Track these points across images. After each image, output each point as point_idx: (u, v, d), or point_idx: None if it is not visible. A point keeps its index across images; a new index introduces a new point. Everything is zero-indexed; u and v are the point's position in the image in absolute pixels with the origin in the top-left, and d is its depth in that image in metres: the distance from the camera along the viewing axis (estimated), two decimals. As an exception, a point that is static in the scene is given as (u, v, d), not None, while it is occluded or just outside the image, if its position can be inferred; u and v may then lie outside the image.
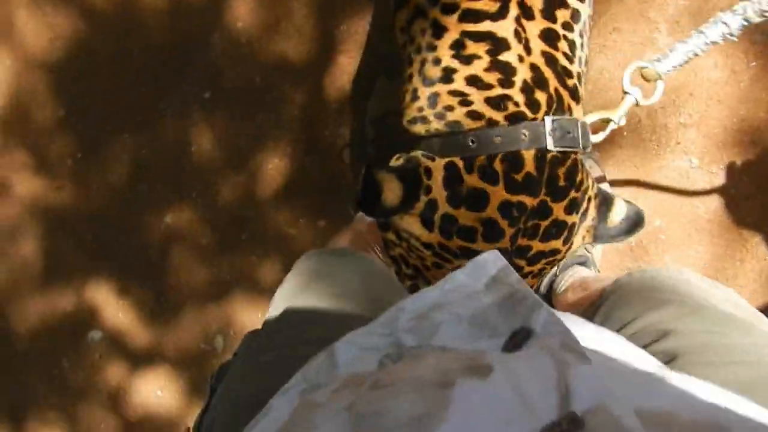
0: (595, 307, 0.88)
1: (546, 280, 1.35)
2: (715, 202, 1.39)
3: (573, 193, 0.81)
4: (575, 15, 0.82)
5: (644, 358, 0.52)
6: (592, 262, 1.36)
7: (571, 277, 1.29)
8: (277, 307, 0.79)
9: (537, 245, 0.81)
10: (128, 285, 1.68)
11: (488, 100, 0.76)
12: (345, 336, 0.46)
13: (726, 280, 1.42)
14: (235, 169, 1.57)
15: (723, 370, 0.59)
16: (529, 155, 0.76)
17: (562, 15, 0.80)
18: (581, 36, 0.83)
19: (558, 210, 0.80)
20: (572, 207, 0.81)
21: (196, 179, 1.59)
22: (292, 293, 0.79)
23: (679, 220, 1.42)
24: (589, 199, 0.85)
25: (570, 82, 0.81)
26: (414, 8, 0.82)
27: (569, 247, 0.85)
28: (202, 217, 1.61)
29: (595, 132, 0.88)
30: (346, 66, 1.48)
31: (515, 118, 0.77)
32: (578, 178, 0.82)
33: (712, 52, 1.33)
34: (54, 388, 1.77)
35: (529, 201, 0.77)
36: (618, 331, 0.75)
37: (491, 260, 0.48)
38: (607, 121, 0.88)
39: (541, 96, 0.77)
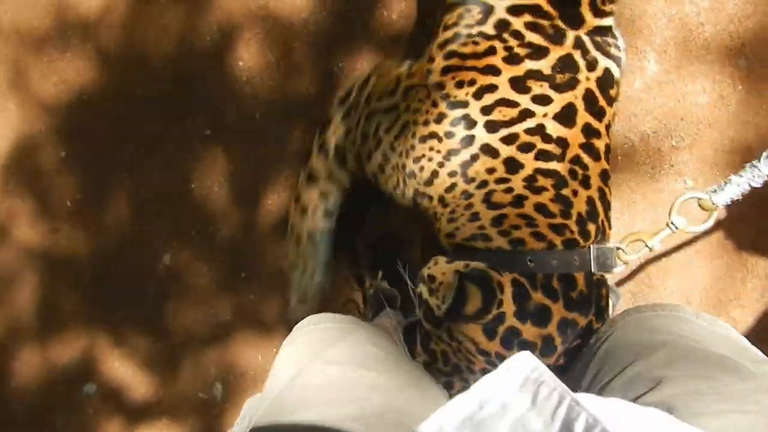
0: (589, 355, 0.90)
1: None
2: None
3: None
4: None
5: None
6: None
7: None
8: (308, 370, 0.82)
9: None
10: (125, 331, 1.65)
11: (551, 226, 0.88)
12: None
13: (729, 301, 1.41)
14: (234, 205, 1.57)
15: (718, 420, 0.60)
16: (580, 276, 0.87)
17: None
18: None
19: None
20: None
21: (196, 217, 1.59)
22: (328, 363, 0.83)
23: (676, 242, 1.42)
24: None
25: (609, 214, 0.96)
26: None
27: None
28: (200, 255, 1.60)
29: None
30: (344, 101, 1.52)
31: (570, 244, 0.88)
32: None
33: (698, 78, 1.39)
34: (44, 448, 1.70)
35: (581, 321, 0.87)
36: (614, 378, 0.78)
37: (523, 360, 0.50)
38: (639, 240, 0.97)
39: (591, 227, 0.91)
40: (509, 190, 0.90)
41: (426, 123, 0.98)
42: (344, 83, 1.51)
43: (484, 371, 0.81)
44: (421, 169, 0.98)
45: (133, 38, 1.59)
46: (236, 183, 1.57)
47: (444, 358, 0.89)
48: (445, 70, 0.97)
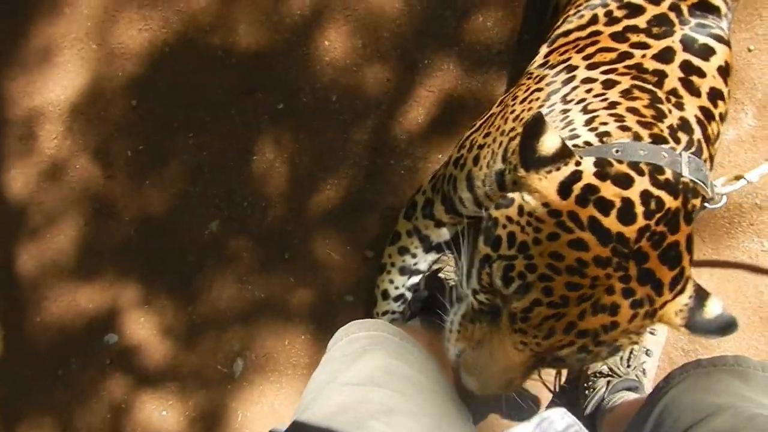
0: (646, 411, 0.86)
1: (594, 401, 1.35)
2: (783, 291, 1.33)
3: (684, 252, 0.81)
4: (724, 115, 0.95)
5: None
6: (642, 390, 1.35)
7: (620, 399, 1.29)
8: (322, 392, 0.82)
9: (654, 259, 0.77)
10: (157, 290, 1.63)
11: (639, 122, 0.85)
12: None
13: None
14: (291, 184, 1.55)
15: None
16: (668, 170, 0.80)
17: (722, 107, 0.93)
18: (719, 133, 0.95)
19: (681, 237, 0.79)
20: (675, 260, 0.80)
21: (251, 190, 1.56)
22: (341, 384, 0.82)
23: (742, 303, 1.35)
24: (687, 278, 0.82)
25: (712, 149, 0.91)
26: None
27: (663, 301, 0.81)
28: (248, 229, 1.57)
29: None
30: (423, 99, 1.48)
31: (658, 139, 0.84)
32: (688, 247, 0.82)
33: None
34: (56, 389, 1.67)
35: (668, 200, 0.78)
36: None
37: (558, 415, 0.50)
38: (738, 177, 0.94)
39: (683, 136, 0.86)
40: (604, 99, 0.90)
41: (528, 89, 1.01)
42: (428, 82, 1.48)
43: (554, 237, 0.76)
44: (522, 119, 0.97)
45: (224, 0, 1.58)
46: (297, 163, 1.55)
47: (509, 241, 0.80)
48: (549, 53, 1.04)
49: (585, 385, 1.41)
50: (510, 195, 0.83)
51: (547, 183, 0.78)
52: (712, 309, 0.80)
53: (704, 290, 0.82)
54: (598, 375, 1.39)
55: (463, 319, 0.91)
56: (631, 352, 1.40)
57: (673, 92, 0.90)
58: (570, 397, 1.48)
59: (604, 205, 0.76)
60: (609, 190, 0.77)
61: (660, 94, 0.90)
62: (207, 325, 1.60)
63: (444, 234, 1.32)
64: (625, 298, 0.76)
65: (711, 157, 0.91)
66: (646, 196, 0.77)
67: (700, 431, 0.72)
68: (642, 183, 0.78)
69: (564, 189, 0.77)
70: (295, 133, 1.55)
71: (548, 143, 0.78)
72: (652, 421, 0.83)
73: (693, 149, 0.86)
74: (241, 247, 1.58)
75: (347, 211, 1.53)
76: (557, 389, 1.50)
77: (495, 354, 0.83)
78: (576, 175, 0.78)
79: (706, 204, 0.86)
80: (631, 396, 1.31)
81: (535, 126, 0.78)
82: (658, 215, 0.77)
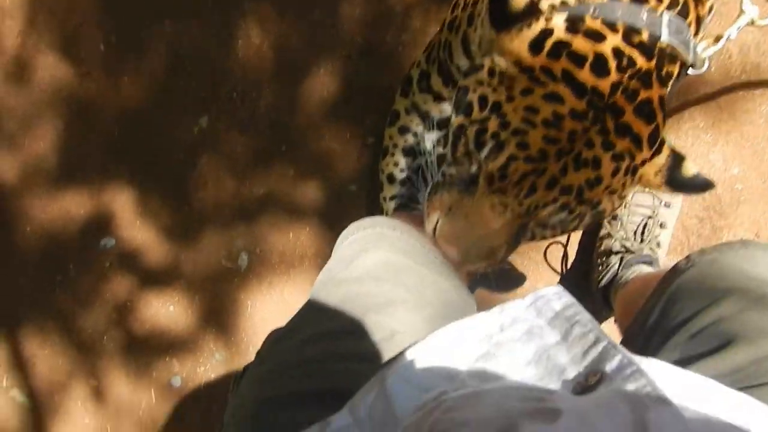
0: (652, 302, 0.85)
1: (607, 277, 1.34)
2: (800, 153, 1.30)
3: (658, 110, 0.79)
4: None
5: (727, 395, 0.47)
6: (657, 264, 1.34)
7: (633, 274, 1.28)
8: (318, 293, 0.80)
9: (630, 113, 0.76)
10: (150, 190, 1.56)
11: None
12: (397, 369, 0.44)
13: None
14: (282, 69, 1.45)
15: None
16: (645, 33, 0.77)
17: None
18: None
19: (653, 95, 0.78)
20: (649, 116, 0.78)
21: (238, 79, 1.46)
22: (337, 282, 0.80)
23: (758, 168, 1.33)
24: (663, 140, 0.82)
25: (701, 9, 0.83)
26: None
27: (643, 158, 0.79)
28: (240, 122, 1.49)
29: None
30: (418, -32, 1.36)
31: (638, 1, 0.79)
32: (661, 106, 0.79)
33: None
34: (56, 296, 1.64)
35: (641, 61, 0.76)
36: (679, 328, 0.74)
37: (555, 294, 0.46)
38: (719, 38, 0.89)
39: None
40: None
41: None
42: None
43: (527, 92, 0.76)
44: None
45: None
46: (286, 46, 1.44)
47: (480, 103, 0.80)
48: None
49: (599, 261, 1.40)
50: (478, 61, 0.82)
51: (517, 42, 0.76)
52: (689, 170, 0.81)
53: (679, 153, 0.82)
54: (610, 252, 1.38)
55: (432, 193, 0.89)
56: (644, 226, 1.38)
57: None
58: (578, 279, 1.48)
59: (577, 59, 0.75)
60: (581, 44, 0.75)
61: None
62: (206, 224, 1.55)
63: (446, 110, 1.25)
64: (606, 151, 0.75)
65: (699, 19, 0.85)
66: (618, 52, 0.75)
67: (708, 316, 0.72)
68: (614, 40, 0.76)
69: (535, 45, 0.76)
70: (281, 14, 1.42)
71: (516, 0, 0.76)
72: (658, 311, 0.83)
73: (677, 9, 0.80)
74: (235, 141, 1.50)
75: (344, 95, 1.45)
76: (564, 272, 1.50)
77: (471, 218, 0.81)
78: (547, 32, 0.76)
79: (689, 71, 0.84)
80: (646, 269, 1.31)
81: None
82: (630, 71, 0.76)
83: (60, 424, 1.67)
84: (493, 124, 0.76)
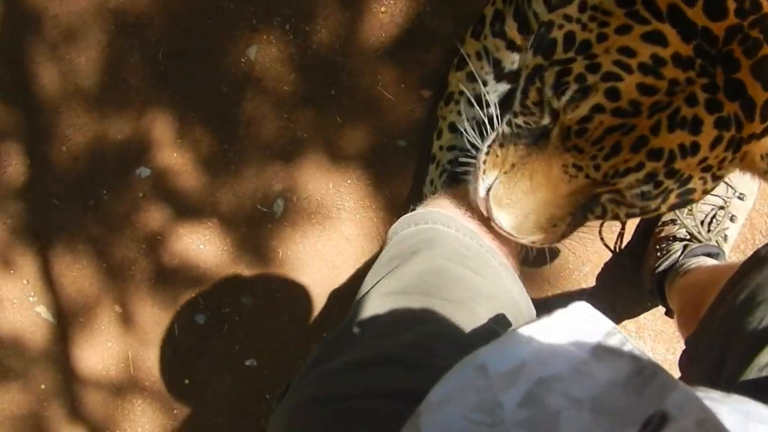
0: (734, 291, 0.73)
1: (667, 263, 1.22)
2: None
3: None
4: None
5: None
6: (723, 257, 1.23)
7: (695, 264, 1.17)
8: (366, 303, 0.73)
9: (746, 70, 0.61)
10: (191, 122, 1.49)
11: None
12: (431, 410, 0.39)
13: None
14: (340, 3, 1.33)
15: None
16: None
17: None
18: None
19: None
20: None
21: (293, 8, 1.36)
22: (384, 294, 0.72)
23: None
24: None
25: None
26: None
27: (752, 131, 0.64)
28: (290, 57, 1.39)
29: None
30: None
31: None
32: None
33: None
34: (87, 219, 1.61)
35: (767, 4, 0.61)
36: (748, 361, 0.64)
37: (598, 318, 0.41)
38: None
39: None
40: None
41: None
42: None
43: (625, 29, 0.62)
44: None
45: None
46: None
47: (567, 42, 0.66)
48: None
49: (658, 247, 1.30)
50: None
51: None
52: None
53: None
54: (673, 239, 1.27)
55: (493, 146, 0.75)
56: (713, 216, 1.27)
57: None
58: (632, 260, 1.38)
59: None
60: None
61: None
62: (245, 163, 1.48)
63: (517, 60, 1.12)
64: (710, 113, 0.62)
65: None
66: None
67: None
68: None
69: None
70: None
71: None
72: (738, 309, 0.72)
73: None
74: (282, 79, 1.41)
75: (404, 41, 1.33)
76: (618, 250, 1.40)
77: (536, 178, 0.68)
78: None
79: None
80: (710, 262, 1.20)
81: None
82: (752, 17, 0.61)
83: (83, 344, 1.66)
84: (579, 66, 0.63)
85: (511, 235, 0.72)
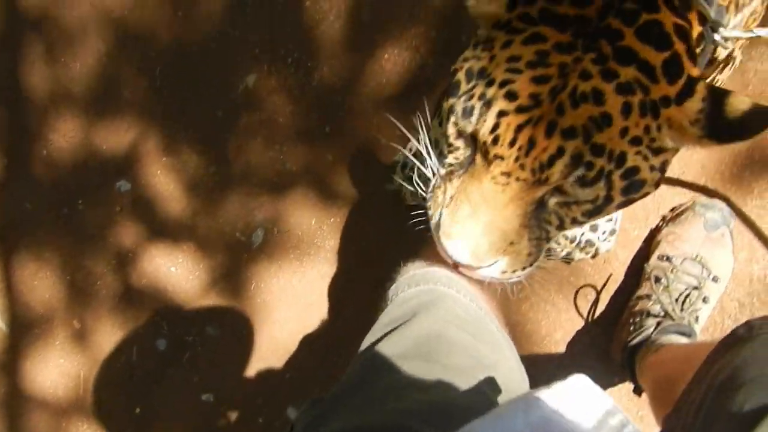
0: (712, 372, 0.73)
1: (639, 338, 1.22)
2: None
3: (674, 36, 0.65)
4: None
5: None
6: (694, 338, 1.22)
7: (668, 341, 1.17)
8: (364, 366, 0.73)
9: (630, 37, 0.64)
10: (180, 141, 1.47)
11: None
12: None
13: None
14: (345, 45, 1.34)
15: None
16: None
17: None
18: None
19: (664, 19, 0.65)
20: (660, 41, 0.65)
21: (297, 42, 1.36)
22: (384, 358, 0.72)
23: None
24: (693, 78, 0.66)
25: None
26: None
27: (662, 93, 0.65)
28: (288, 89, 1.39)
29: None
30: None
31: None
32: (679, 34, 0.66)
33: None
34: (58, 227, 1.56)
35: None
36: (762, 418, 0.61)
37: (597, 394, 0.41)
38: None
39: None
40: None
41: None
42: None
43: (506, 45, 0.67)
44: None
45: None
46: (355, 20, 1.34)
47: (468, 75, 0.70)
48: None
49: (631, 321, 1.29)
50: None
51: (495, 5, 0.69)
52: (737, 105, 0.63)
53: (720, 89, 0.65)
54: (647, 314, 1.28)
55: (434, 190, 0.76)
56: (687, 296, 1.28)
57: None
58: (602, 331, 1.38)
59: None
60: None
61: None
62: (230, 189, 1.46)
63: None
64: (607, 81, 0.63)
65: None
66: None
67: None
68: None
69: (511, 3, 0.68)
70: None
71: None
72: (715, 390, 0.71)
73: None
74: (278, 110, 1.40)
75: (404, 88, 1.34)
76: (591, 320, 1.40)
77: (473, 199, 0.68)
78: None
79: (716, 37, 0.69)
80: (683, 340, 1.20)
81: None
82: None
83: (35, 357, 1.59)
84: (479, 88, 0.67)
85: (472, 267, 0.71)
